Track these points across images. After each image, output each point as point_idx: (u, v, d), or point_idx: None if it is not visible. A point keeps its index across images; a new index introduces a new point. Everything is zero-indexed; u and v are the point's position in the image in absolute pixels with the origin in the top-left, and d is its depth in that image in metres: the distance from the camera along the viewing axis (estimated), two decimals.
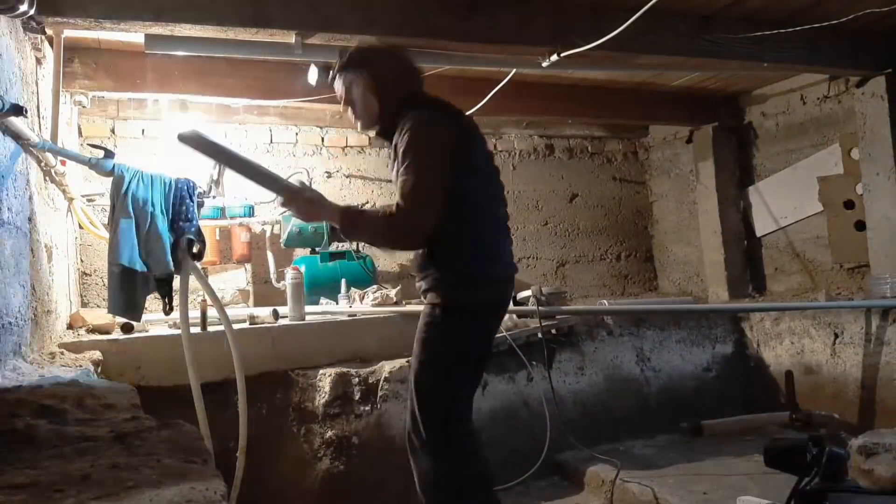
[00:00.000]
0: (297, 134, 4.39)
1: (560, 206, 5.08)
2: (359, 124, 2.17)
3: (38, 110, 2.50)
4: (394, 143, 2.04)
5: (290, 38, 2.65)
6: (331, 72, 2.21)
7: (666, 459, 3.13)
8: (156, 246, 2.27)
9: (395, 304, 3.48)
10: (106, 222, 2.71)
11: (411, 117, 2.00)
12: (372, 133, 2.32)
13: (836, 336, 3.60)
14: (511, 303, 3.59)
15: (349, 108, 2.16)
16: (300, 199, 2.01)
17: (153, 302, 3.08)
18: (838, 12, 2.96)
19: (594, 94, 4.22)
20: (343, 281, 3.65)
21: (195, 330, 2.74)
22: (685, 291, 5.01)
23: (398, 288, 3.62)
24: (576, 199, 5.15)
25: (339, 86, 2.15)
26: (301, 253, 4.08)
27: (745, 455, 3.07)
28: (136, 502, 0.89)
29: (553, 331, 3.52)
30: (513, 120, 4.77)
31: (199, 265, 2.38)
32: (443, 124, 2.02)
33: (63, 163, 2.65)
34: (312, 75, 3.09)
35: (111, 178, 2.42)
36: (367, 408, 2.98)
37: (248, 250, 3.92)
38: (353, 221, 2.01)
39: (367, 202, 4.55)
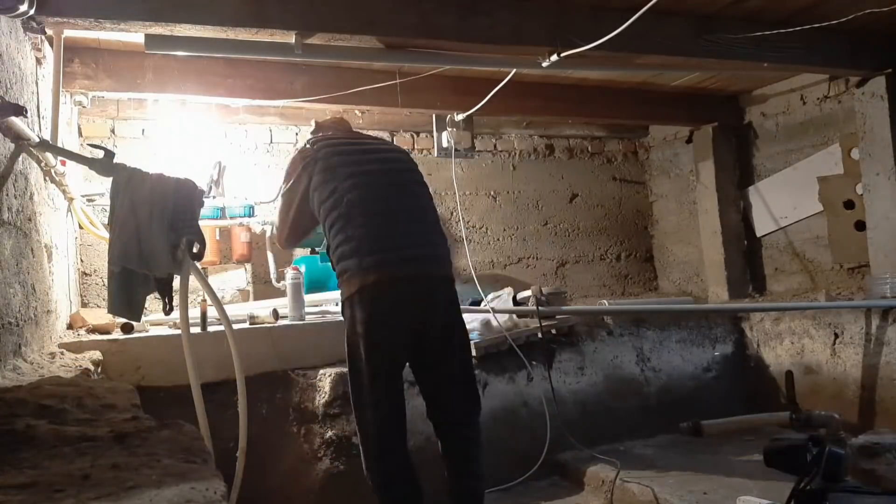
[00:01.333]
0: (297, 134, 4.39)
1: (560, 206, 5.08)
2: None
3: (38, 110, 2.49)
4: None
5: (290, 38, 2.65)
6: None
7: (666, 459, 3.13)
8: (156, 246, 2.27)
9: None
10: (106, 222, 2.71)
11: None
12: None
13: (836, 336, 3.60)
14: (512, 303, 3.59)
15: None
16: None
17: (153, 302, 3.08)
18: (838, 12, 2.96)
19: (594, 94, 4.22)
20: None
21: (195, 330, 2.74)
22: (685, 291, 5.01)
23: None
24: (576, 199, 5.15)
25: None
26: (301, 253, 4.08)
27: (745, 455, 3.07)
28: (136, 502, 0.89)
29: (553, 331, 3.52)
30: (513, 120, 4.77)
31: (199, 265, 2.37)
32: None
33: (63, 163, 2.65)
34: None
35: (111, 178, 2.42)
36: None
37: (248, 250, 3.91)
38: None
39: None
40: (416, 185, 2.47)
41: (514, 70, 3.29)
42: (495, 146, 4.92)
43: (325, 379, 2.96)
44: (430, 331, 2.29)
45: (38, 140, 2.13)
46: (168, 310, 2.37)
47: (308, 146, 2.53)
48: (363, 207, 2.29)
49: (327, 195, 2.35)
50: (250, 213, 3.91)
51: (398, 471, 2.27)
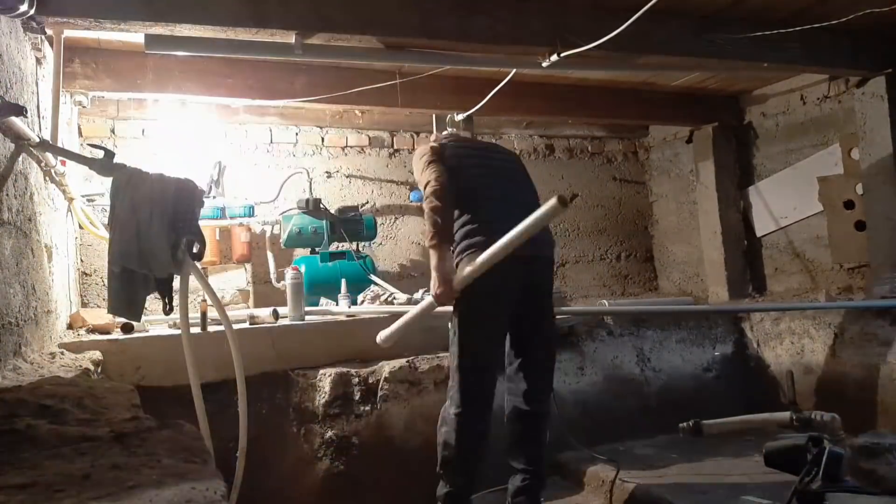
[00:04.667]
0: (297, 134, 4.39)
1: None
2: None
3: (38, 110, 2.49)
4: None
5: (290, 38, 2.65)
6: None
7: (666, 459, 3.13)
8: (156, 246, 2.27)
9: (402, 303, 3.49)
10: (106, 222, 2.71)
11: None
12: None
13: (836, 336, 3.60)
14: None
15: None
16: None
17: (153, 302, 3.07)
18: (838, 12, 2.96)
19: (594, 94, 4.22)
20: (343, 281, 3.65)
21: (195, 330, 2.74)
22: (685, 291, 5.01)
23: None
24: (576, 199, 5.14)
25: None
26: (301, 253, 4.08)
27: (745, 455, 3.07)
28: (136, 502, 0.89)
29: None
30: (513, 120, 4.77)
31: (199, 265, 2.37)
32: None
33: (63, 163, 2.65)
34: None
35: (111, 178, 2.42)
36: (367, 408, 2.98)
37: (248, 250, 3.91)
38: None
39: (367, 202, 4.55)
40: (528, 182, 2.78)
41: (514, 70, 3.29)
42: None
43: (325, 379, 2.96)
44: (535, 301, 2.56)
45: (38, 140, 2.13)
46: (168, 310, 2.37)
47: (437, 144, 2.66)
48: (488, 194, 2.53)
49: (457, 181, 2.50)
50: (250, 213, 3.91)
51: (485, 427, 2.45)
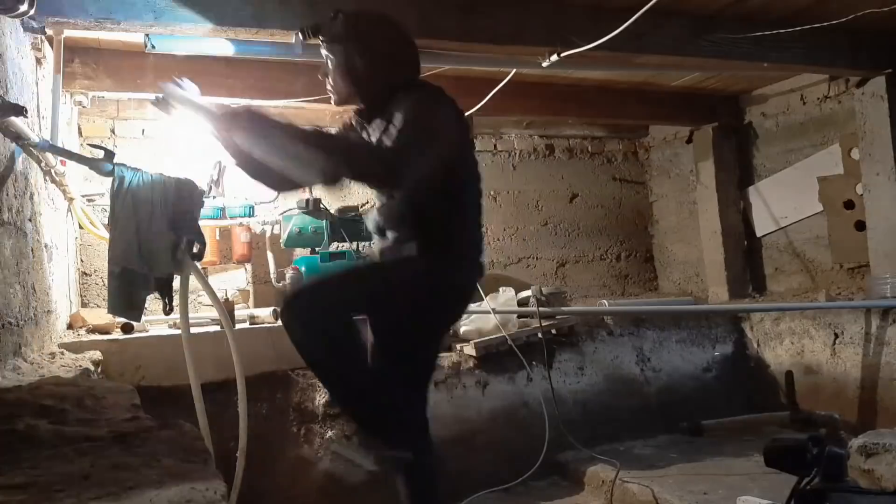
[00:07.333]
0: None
1: (560, 206, 5.08)
2: (333, 98, 2.07)
3: (38, 110, 2.50)
4: (379, 119, 1.94)
5: (290, 38, 2.65)
6: (307, 30, 2.09)
7: (666, 459, 3.13)
8: (156, 246, 2.27)
9: None
10: (106, 222, 2.71)
11: (416, 92, 1.92)
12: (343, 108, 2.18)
13: (836, 336, 3.60)
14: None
15: (327, 79, 2.04)
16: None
17: (153, 302, 3.08)
18: (838, 12, 2.96)
19: (594, 94, 4.21)
20: None
21: (196, 330, 2.74)
22: (685, 291, 5.01)
23: None
24: (576, 199, 5.15)
25: (323, 52, 2.01)
26: (301, 253, 4.08)
27: (745, 455, 3.07)
28: (136, 502, 0.89)
29: (553, 331, 3.52)
30: (513, 120, 4.77)
31: (199, 265, 2.37)
32: (454, 113, 1.97)
33: (63, 163, 2.65)
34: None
35: (111, 178, 2.42)
36: None
37: (248, 250, 3.91)
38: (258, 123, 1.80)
39: (367, 202, 4.55)
40: None
41: (514, 70, 3.29)
42: (495, 146, 4.92)
43: None
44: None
45: (38, 140, 2.13)
46: (168, 310, 2.37)
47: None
48: (476, 206, 2.08)
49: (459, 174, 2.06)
50: (250, 213, 3.91)
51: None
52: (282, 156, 1.79)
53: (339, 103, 2.08)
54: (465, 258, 2.04)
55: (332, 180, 1.80)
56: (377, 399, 1.92)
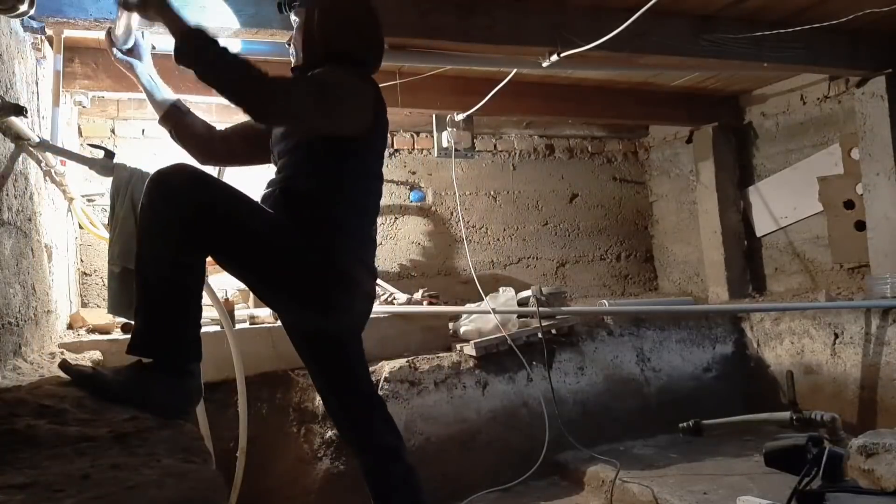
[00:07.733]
0: None
1: (560, 206, 5.08)
2: (293, 60, 2.17)
3: (38, 110, 2.49)
4: None
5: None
6: (283, 5, 2.17)
7: (666, 459, 3.14)
8: None
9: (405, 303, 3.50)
10: (106, 222, 2.71)
11: (345, 68, 1.96)
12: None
13: (836, 336, 3.60)
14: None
15: (291, 42, 2.12)
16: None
17: None
18: (838, 12, 2.96)
19: (594, 94, 4.21)
20: None
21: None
22: (685, 291, 5.01)
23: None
24: (576, 199, 5.15)
25: (292, 17, 2.13)
26: None
27: (745, 455, 3.07)
28: (136, 502, 0.89)
29: (553, 331, 3.52)
30: (513, 120, 4.76)
31: None
32: (370, 97, 1.97)
33: (63, 163, 2.65)
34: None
35: (111, 178, 2.42)
36: None
37: None
38: (199, 47, 1.85)
39: None
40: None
41: (514, 70, 3.29)
42: (495, 146, 4.92)
43: None
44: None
45: (38, 140, 2.13)
46: None
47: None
48: (370, 204, 2.06)
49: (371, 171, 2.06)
50: None
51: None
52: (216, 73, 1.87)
53: (296, 64, 2.15)
54: (346, 251, 1.93)
55: (240, 101, 1.88)
56: (170, 306, 1.69)
